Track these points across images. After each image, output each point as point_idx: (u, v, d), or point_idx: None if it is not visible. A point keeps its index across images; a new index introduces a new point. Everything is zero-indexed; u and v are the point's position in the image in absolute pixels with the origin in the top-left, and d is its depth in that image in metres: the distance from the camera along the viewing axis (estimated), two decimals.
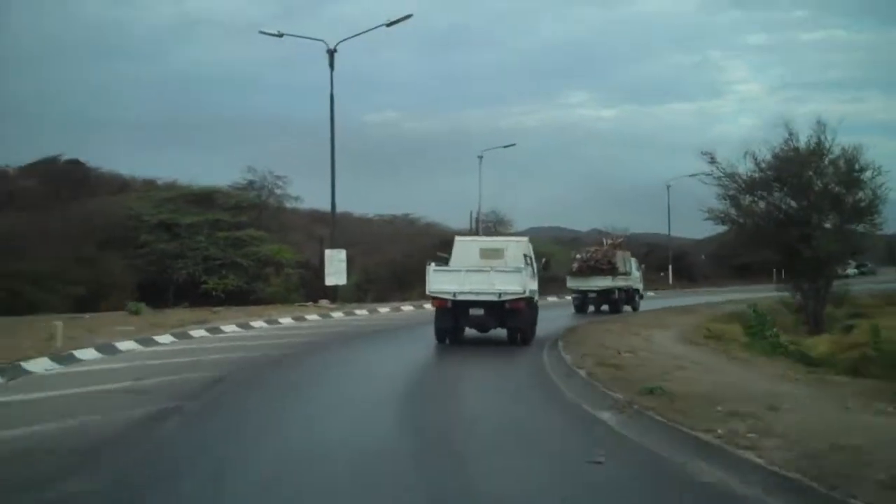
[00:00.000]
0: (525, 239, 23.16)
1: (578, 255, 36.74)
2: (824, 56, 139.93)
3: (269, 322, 26.55)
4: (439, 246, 47.43)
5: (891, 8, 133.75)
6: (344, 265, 35.02)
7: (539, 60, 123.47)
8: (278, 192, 42.92)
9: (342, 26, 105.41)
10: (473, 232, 47.70)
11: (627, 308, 36.59)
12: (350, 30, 48.34)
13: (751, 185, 28.12)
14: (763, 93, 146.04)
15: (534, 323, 21.18)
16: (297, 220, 46.73)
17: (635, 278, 38.62)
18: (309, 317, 29.62)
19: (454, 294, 19.63)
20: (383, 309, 34.28)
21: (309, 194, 56.20)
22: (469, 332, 20.79)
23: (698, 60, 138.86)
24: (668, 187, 64.25)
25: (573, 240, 59.91)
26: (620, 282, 36.02)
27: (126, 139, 64.35)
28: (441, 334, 20.36)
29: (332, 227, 36.20)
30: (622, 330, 22.12)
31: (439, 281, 19.93)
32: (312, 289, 36.85)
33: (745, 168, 28.18)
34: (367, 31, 35.19)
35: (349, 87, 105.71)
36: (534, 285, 21.02)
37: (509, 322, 19.92)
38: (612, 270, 35.48)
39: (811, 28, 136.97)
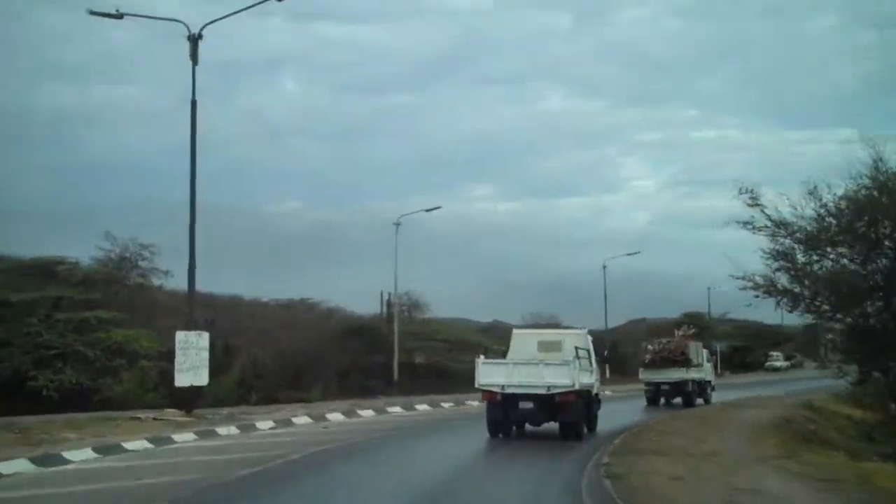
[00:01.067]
0: (584, 331, 22.94)
1: (651, 347, 35.91)
2: (717, 155, 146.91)
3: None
4: (345, 332, 41.84)
5: (777, 109, 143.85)
6: (205, 356, 23.76)
7: (444, 153, 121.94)
8: (143, 264, 34.09)
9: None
10: (386, 317, 42.95)
11: (699, 401, 35.71)
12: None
13: (817, 237, 20.83)
14: (656, 189, 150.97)
15: (590, 417, 21.02)
16: (170, 301, 37.95)
17: (707, 370, 37.98)
18: (130, 445, 16.79)
19: (503, 387, 19.40)
20: (264, 424, 22.26)
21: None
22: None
23: (596, 157, 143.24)
24: (605, 268, 59.60)
25: (483, 330, 55.02)
26: (694, 374, 35.35)
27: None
28: (494, 428, 19.97)
29: (190, 293, 24.95)
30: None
31: (488, 374, 19.82)
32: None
33: (806, 211, 21.46)
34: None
35: (250, 174, 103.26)
36: (588, 378, 20.65)
37: (560, 416, 19.59)
38: (685, 362, 34.79)
39: (703, 127, 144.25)
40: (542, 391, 19.15)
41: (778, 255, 21.76)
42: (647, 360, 35.19)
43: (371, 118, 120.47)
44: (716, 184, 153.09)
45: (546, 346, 21.08)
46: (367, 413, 27.30)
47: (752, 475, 13.63)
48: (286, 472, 13.70)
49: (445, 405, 31.90)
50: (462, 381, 42.44)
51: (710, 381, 38.11)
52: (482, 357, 20.63)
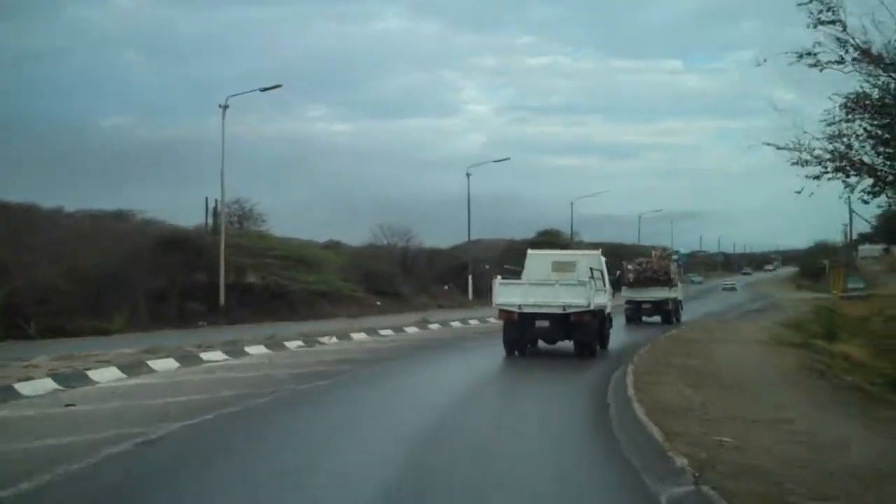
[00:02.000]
0: (597, 252, 23.37)
1: (631, 266, 36.58)
2: (549, 81, 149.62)
3: None
4: (160, 245, 34.42)
5: (608, 39, 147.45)
6: None
7: (278, 72, 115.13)
8: None
9: None
10: (211, 228, 36.61)
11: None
12: None
13: None
14: (491, 113, 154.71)
15: (602, 336, 21.59)
16: None
17: (680, 290, 38.77)
18: None
19: (520, 307, 20.03)
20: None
21: None
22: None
23: (434, 79, 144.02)
24: (469, 176, 53.83)
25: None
26: (674, 293, 36.58)
27: None
28: (510, 346, 20.64)
29: None
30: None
31: (505, 294, 20.38)
32: None
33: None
34: None
35: (81, 88, 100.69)
36: (602, 298, 21.03)
37: (575, 335, 20.22)
38: (668, 281, 36.12)
39: (537, 54, 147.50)
40: (559, 311, 19.73)
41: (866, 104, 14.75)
42: (630, 280, 35.48)
43: (203, 36, 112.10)
44: (547, 110, 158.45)
45: (560, 267, 21.44)
46: (165, 365, 17.12)
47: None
48: None
49: (291, 345, 22.15)
50: (303, 304, 37.10)
51: (681, 301, 38.81)
52: (499, 278, 21.23)
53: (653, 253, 39.90)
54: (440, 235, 61.42)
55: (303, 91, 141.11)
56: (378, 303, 43.67)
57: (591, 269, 21.21)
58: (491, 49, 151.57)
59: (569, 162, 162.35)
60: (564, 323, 19.89)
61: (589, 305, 19.71)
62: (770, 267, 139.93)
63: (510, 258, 71.41)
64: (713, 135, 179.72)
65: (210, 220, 37.60)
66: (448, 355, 21.91)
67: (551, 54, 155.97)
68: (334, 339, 23.92)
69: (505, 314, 20.38)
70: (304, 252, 41.92)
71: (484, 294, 57.34)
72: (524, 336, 20.60)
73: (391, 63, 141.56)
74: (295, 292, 37.57)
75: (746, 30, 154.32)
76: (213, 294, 33.06)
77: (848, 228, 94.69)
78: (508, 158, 58.39)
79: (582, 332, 20.09)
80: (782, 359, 20.22)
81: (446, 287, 52.93)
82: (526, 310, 19.96)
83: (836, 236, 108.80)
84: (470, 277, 52.38)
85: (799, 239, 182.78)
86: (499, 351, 20.88)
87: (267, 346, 21.23)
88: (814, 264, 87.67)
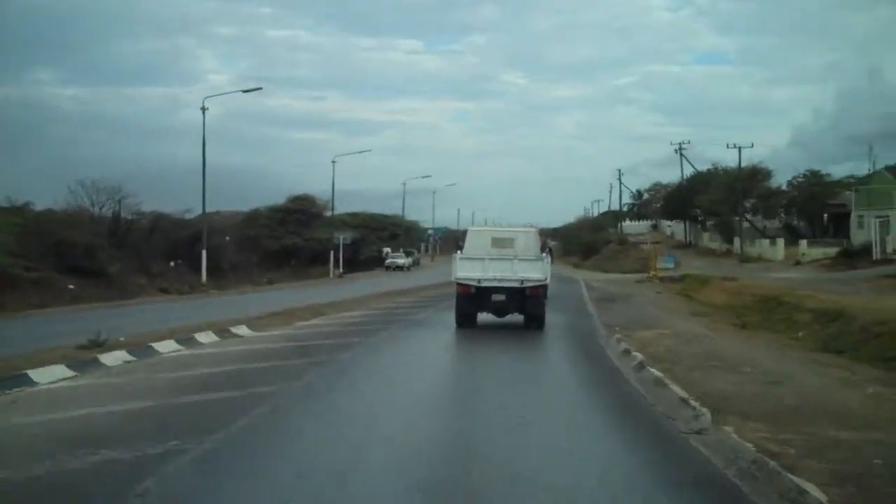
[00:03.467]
0: (535, 229, 24.06)
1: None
2: (288, 54, 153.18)
3: None
4: None
5: (346, 14, 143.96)
6: None
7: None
8: None
9: None
10: None
11: None
12: None
13: None
14: (229, 83, 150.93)
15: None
16: None
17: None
18: None
19: (479, 280, 20.65)
20: None
21: None
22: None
23: (171, 47, 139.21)
24: (204, 110, 41.58)
25: None
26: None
27: None
28: (461, 319, 21.19)
29: None
30: None
31: (465, 268, 20.89)
32: None
33: None
34: None
35: None
36: (548, 273, 21.61)
37: (527, 307, 20.90)
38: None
39: (277, 26, 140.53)
40: (516, 284, 20.58)
41: None
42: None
43: None
44: (285, 82, 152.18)
45: (500, 243, 21.74)
46: None
47: None
48: None
49: None
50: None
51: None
52: (458, 253, 21.62)
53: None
54: (172, 207, 48.48)
55: (26, 54, 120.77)
56: (71, 286, 31.12)
57: (540, 245, 22.26)
58: (231, 18, 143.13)
59: (311, 136, 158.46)
60: (519, 296, 20.69)
61: (545, 279, 20.85)
62: None
63: (255, 227, 60.89)
64: (451, 115, 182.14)
65: None
66: None
67: (292, 27, 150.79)
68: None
69: (463, 287, 20.90)
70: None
71: (225, 274, 46.10)
72: (479, 309, 21.27)
73: (128, 26, 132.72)
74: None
75: (486, 14, 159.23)
76: None
77: (619, 203, 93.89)
78: (260, 88, 47.51)
79: (533, 305, 20.84)
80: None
81: (172, 264, 40.67)
82: (485, 283, 20.64)
83: (593, 212, 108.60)
84: (204, 252, 40.50)
85: (555, 216, 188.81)
86: None
87: None
88: (577, 240, 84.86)
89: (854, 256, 43.36)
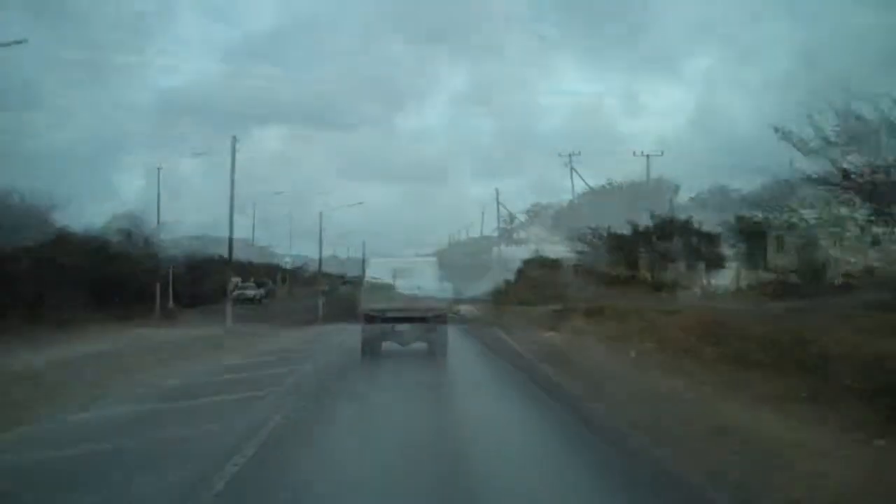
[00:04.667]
0: (434, 259, 26.06)
1: None
2: None
3: None
4: None
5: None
6: None
7: None
8: None
9: None
10: None
11: None
12: None
13: None
14: None
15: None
16: None
17: None
18: None
19: (384, 311, 21.35)
20: None
21: None
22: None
23: None
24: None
25: None
26: None
27: None
28: (367, 347, 21.75)
29: None
30: None
31: (369, 299, 21.96)
32: None
33: None
34: None
35: None
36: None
37: (431, 336, 21.63)
38: None
39: None
40: (418, 314, 21.29)
41: None
42: None
43: None
44: None
45: (401, 273, 22.26)
46: None
47: None
48: None
49: None
50: None
51: None
52: (366, 283, 22.85)
53: None
54: None
55: None
56: None
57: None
58: None
59: None
60: (424, 325, 21.30)
61: (449, 309, 22.61)
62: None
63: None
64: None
65: None
66: None
67: None
68: None
69: (368, 318, 21.46)
70: None
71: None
72: (383, 338, 21.75)
73: None
74: None
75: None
76: None
77: (497, 225, 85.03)
78: None
79: (437, 333, 21.47)
80: None
81: None
82: (390, 314, 21.22)
83: (459, 237, 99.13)
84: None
85: (427, 241, 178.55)
86: None
87: None
88: (459, 264, 75.76)
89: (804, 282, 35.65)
